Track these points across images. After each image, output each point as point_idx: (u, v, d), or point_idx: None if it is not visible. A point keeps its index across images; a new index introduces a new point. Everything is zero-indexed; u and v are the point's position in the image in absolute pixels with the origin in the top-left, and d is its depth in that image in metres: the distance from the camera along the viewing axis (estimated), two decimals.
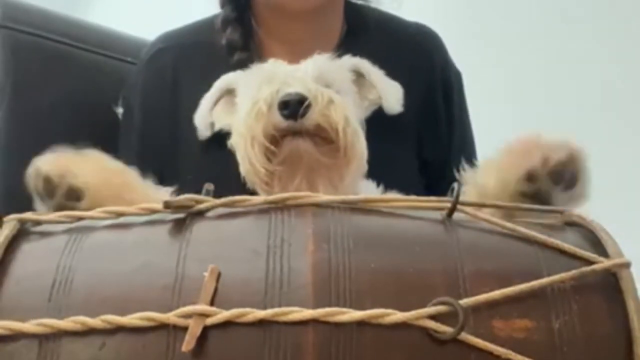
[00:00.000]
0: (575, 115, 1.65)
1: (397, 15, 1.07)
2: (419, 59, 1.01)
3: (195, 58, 1.00)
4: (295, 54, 0.88)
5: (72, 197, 0.66)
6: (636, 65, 1.58)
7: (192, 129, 0.93)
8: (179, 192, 0.71)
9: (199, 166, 0.94)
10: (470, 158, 0.99)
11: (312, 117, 0.75)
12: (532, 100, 1.71)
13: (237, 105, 0.87)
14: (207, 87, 0.92)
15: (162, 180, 0.88)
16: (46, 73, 1.08)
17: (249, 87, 0.83)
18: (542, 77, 1.72)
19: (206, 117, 0.90)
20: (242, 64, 0.92)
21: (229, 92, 0.90)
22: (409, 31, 1.05)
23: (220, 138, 0.90)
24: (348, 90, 0.86)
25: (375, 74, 0.90)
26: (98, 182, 0.67)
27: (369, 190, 0.82)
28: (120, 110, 1.04)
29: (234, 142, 0.81)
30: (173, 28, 1.06)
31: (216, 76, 0.92)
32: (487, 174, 0.68)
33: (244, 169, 0.78)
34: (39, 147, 1.05)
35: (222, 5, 1.01)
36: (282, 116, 0.74)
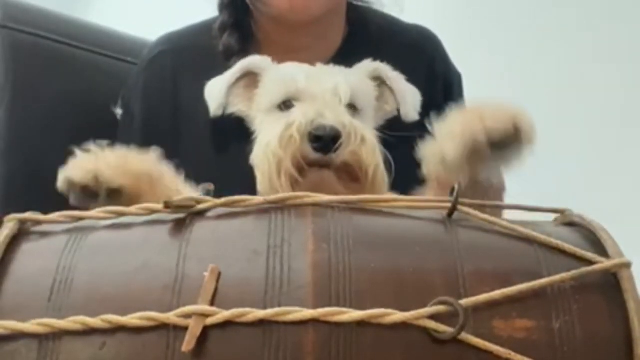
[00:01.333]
0: (577, 116, 1.65)
1: (398, 18, 1.07)
2: (420, 62, 1.01)
3: (196, 61, 1.00)
4: (295, 60, 0.88)
5: (114, 197, 0.67)
6: (638, 66, 1.59)
7: (192, 130, 0.93)
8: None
9: (200, 168, 0.94)
10: None
11: (343, 155, 0.75)
12: (532, 102, 1.71)
13: (256, 96, 0.87)
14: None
15: None
16: (46, 73, 1.08)
17: (274, 86, 0.83)
18: (542, 78, 1.72)
19: (221, 96, 0.88)
20: None
21: (251, 75, 0.89)
22: (410, 34, 1.06)
23: (222, 139, 0.90)
24: (370, 103, 0.87)
25: (395, 79, 0.90)
26: (132, 180, 0.68)
27: None
28: (119, 111, 1.04)
29: (256, 159, 0.80)
30: (173, 30, 1.06)
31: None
32: (442, 140, 0.69)
33: (263, 187, 0.77)
34: (39, 147, 1.06)
35: (220, 10, 1.01)
36: (313, 149, 0.74)
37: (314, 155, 0.74)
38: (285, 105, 0.82)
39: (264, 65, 0.88)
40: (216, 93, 0.88)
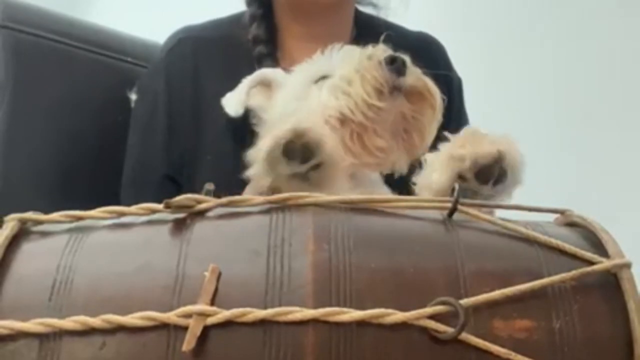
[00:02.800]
0: (575, 118, 1.65)
1: (402, 25, 1.12)
2: (422, 67, 1.02)
3: (215, 50, 1.04)
4: (312, 50, 0.91)
5: (314, 168, 0.68)
6: (634, 67, 1.59)
7: (213, 119, 0.97)
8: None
9: (219, 157, 0.98)
10: None
11: (412, 78, 0.80)
12: (532, 101, 1.71)
13: (273, 100, 0.91)
14: (227, 80, 0.95)
15: (184, 162, 0.96)
16: (46, 73, 1.08)
17: (310, 67, 0.88)
18: (542, 81, 1.73)
19: (243, 96, 0.92)
20: (262, 58, 1.00)
21: (265, 85, 0.93)
22: (413, 40, 1.09)
23: (242, 131, 0.92)
24: None
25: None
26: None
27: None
28: (134, 97, 1.06)
29: (331, 85, 0.82)
30: (189, 24, 1.10)
31: (236, 70, 0.96)
32: (431, 170, 0.74)
33: (340, 106, 0.79)
34: (39, 147, 1.06)
35: (249, 4, 1.07)
36: (389, 70, 0.79)
37: (391, 76, 0.79)
38: (323, 79, 0.85)
39: (275, 75, 0.93)
40: (236, 95, 0.92)
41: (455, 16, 1.91)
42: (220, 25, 1.09)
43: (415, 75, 0.81)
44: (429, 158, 0.75)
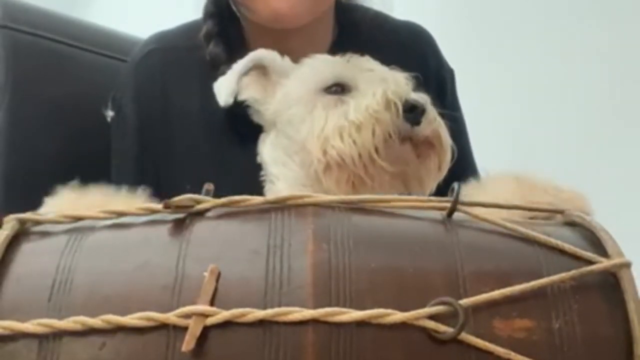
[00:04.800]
0: (576, 115, 1.65)
1: (389, 15, 1.07)
2: (411, 58, 1.01)
3: (186, 61, 0.99)
4: None
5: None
6: (636, 64, 1.58)
7: (186, 129, 0.93)
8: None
9: (196, 166, 0.94)
10: (464, 155, 0.99)
11: (426, 130, 0.76)
12: (532, 100, 1.71)
13: (276, 86, 0.86)
14: (197, 90, 0.91)
15: (160, 180, 0.90)
16: (46, 73, 1.08)
17: (320, 70, 0.84)
18: (542, 76, 1.72)
19: (233, 85, 0.86)
20: None
21: (260, 68, 0.88)
22: (401, 30, 1.06)
23: (217, 136, 0.90)
24: None
25: None
26: None
27: None
28: (110, 113, 1.02)
29: (338, 125, 0.77)
30: (165, 29, 1.05)
31: (206, 81, 0.90)
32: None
33: (343, 151, 0.75)
34: (39, 147, 1.06)
35: (205, 20, 1.00)
36: (405, 118, 0.75)
37: (403, 125, 0.75)
38: (335, 88, 0.82)
39: (272, 58, 0.88)
40: (226, 83, 0.87)
41: (452, 4, 1.91)
42: (192, 31, 1.01)
43: (430, 126, 0.77)
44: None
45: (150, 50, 1.00)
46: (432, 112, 0.78)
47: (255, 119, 0.89)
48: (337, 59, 0.85)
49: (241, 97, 0.87)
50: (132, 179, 0.92)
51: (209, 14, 1.00)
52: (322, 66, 0.85)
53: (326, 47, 1.00)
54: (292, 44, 0.96)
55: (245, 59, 0.88)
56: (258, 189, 0.85)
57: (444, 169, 0.79)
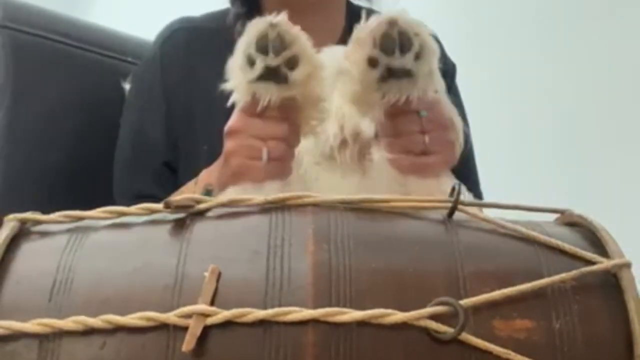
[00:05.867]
0: (575, 114, 1.65)
1: None
2: None
3: (210, 41, 1.04)
4: None
5: (290, 63, 0.69)
6: (636, 67, 1.59)
7: (207, 107, 0.97)
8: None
9: (213, 144, 0.98)
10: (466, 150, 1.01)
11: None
12: (532, 99, 1.71)
13: None
14: (221, 71, 0.93)
15: (180, 150, 0.98)
16: (46, 73, 1.08)
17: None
18: (541, 75, 1.72)
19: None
20: None
21: None
22: None
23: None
24: None
25: None
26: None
27: None
28: (127, 85, 1.07)
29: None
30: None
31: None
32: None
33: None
34: (39, 147, 1.06)
35: (232, 3, 1.07)
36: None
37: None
38: None
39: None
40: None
41: (452, 4, 1.91)
42: (217, 17, 1.09)
43: None
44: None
45: (176, 30, 1.07)
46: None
47: None
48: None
49: None
50: (161, 137, 1.01)
51: None
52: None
53: (338, 34, 1.05)
54: (309, 21, 0.99)
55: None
56: None
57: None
